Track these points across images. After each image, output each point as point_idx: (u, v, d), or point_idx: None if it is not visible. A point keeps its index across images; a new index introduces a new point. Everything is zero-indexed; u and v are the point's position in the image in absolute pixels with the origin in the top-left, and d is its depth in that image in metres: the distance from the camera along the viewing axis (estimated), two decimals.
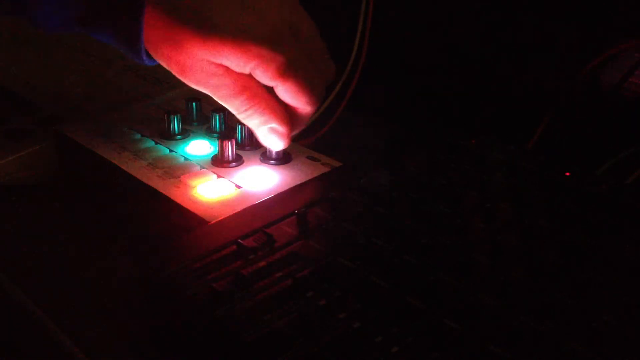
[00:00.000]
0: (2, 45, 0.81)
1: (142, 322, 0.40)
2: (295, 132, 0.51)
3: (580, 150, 0.57)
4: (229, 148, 0.53)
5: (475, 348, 0.32)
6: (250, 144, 0.55)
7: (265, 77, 0.46)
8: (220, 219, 0.45)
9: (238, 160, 0.53)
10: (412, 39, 0.70)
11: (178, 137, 0.58)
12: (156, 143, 0.57)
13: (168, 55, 0.46)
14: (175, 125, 0.58)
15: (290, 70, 0.46)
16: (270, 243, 0.40)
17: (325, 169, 0.52)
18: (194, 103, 0.61)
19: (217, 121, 0.58)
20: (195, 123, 0.60)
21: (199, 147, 0.56)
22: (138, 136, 0.58)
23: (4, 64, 0.76)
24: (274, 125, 0.49)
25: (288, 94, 0.47)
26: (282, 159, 0.53)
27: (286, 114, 0.49)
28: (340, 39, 0.67)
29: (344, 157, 0.54)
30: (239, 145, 0.55)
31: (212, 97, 0.48)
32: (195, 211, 0.46)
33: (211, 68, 0.46)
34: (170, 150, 0.55)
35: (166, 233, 0.45)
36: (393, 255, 0.39)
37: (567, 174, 0.48)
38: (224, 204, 0.47)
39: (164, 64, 0.47)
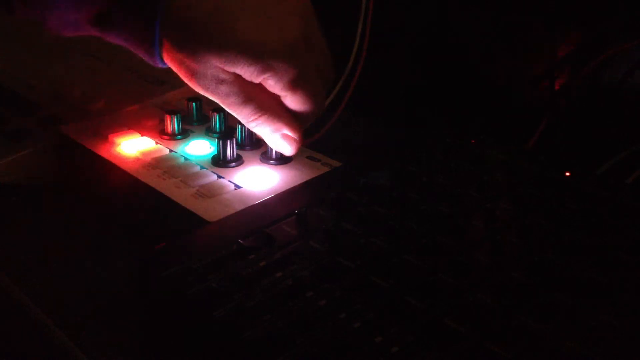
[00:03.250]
0: (2, 45, 0.81)
1: (142, 322, 0.40)
2: (297, 145, 0.51)
3: (580, 150, 0.57)
4: (229, 148, 0.53)
5: (475, 348, 0.32)
6: (250, 144, 0.55)
7: (276, 87, 0.46)
8: (220, 218, 0.45)
9: (238, 160, 0.53)
10: (411, 38, 0.70)
11: (178, 137, 0.58)
12: (156, 143, 0.57)
13: (181, 60, 0.46)
14: (175, 125, 0.58)
15: (301, 82, 0.46)
16: (270, 243, 0.40)
17: (325, 169, 0.52)
18: (194, 103, 0.61)
19: (217, 121, 0.58)
20: (195, 123, 0.60)
21: (199, 147, 0.56)
22: (138, 136, 0.58)
23: (4, 64, 0.76)
24: (286, 132, 0.49)
25: (296, 103, 0.48)
26: (282, 159, 0.53)
27: (295, 120, 0.49)
28: (340, 39, 0.67)
29: (344, 157, 0.54)
30: (239, 145, 0.55)
31: (220, 104, 0.48)
32: (195, 211, 0.47)
33: (222, 76, 0.46)
34: (170, 150, 0.55)
35: (166, 233, 0.45)
36: (393, 255, 0.39)
37: (567, 174, 0.48)
38: (224, 204, 0.47)
39: (174, 68, 0.47)
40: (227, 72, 0.46)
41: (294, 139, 0.50)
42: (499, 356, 0.32)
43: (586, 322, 0.34)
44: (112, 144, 0.56)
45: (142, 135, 0.58)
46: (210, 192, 0.49)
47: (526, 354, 0.32)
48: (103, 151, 0.55)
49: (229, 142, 0.53)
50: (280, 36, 0.45)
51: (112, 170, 0.53)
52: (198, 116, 0.61)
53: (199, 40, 0.44)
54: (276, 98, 0.48)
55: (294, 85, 0.46)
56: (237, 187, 0.50)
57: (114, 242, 0.48)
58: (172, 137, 0.58)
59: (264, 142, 0.54)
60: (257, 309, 0.35)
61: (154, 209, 0.50)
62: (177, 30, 0.45)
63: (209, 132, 0.58)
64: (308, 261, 0.39)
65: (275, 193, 0.48)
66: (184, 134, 0.58)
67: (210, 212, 0.46)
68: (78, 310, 0.42)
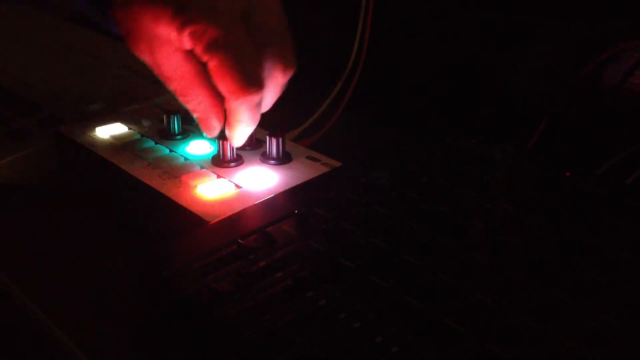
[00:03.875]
0: (2, 45, 0.81)
1: (142, 322, 0.40)
2: (234, 134, 0.49)
3: (580, 150, 0.57)
4: (229, 148, 0.53)
5: (475, 348, 0.32)
6: (250, 144, 0.55)
7: (197, 48, 0.45)
8: (220, 219, 0.45)
9: (238, 160, 0.53)
10: (412, 38, 0.70)
11: (178, 137, 0.58)
12: (156, 143, 0.57)
13: (119, 19, 0.46)
14: (175, 125, 0.58)
15: (222, 48, 0.44)
16: (270, 243, 0.40)
17: (325, 169, 0.52)
18: None
19: None
20: (195, 123, 0.60)
21: (199, 147, 0.56)
22: (138, 136, 0.58)
23: (4, 64, 0.76)
24: (207, 116, 0.48)
25: (215, 73, 0.45)
26: (282, 159, 0.53)
27: (222, 108, 0.48)
28: (341, 39, 0.67)
29: (344, 157, 0.54)
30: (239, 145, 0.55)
31: (155, 73, 0.47)
32: (195, 211, 0.46)
33: (157, 42, 0.45)
34: (170, 150, 0.55)
35: (166, 233, 0.45)
36: (393, 255, 0.39)
37: (567, 174, 0.48)
38: (224, 204, 0.47)
39: (119, 29, 0.47)
40: (160, 38, 0.45)
41: (212, 127, 0.49)
42: (499, 356, 0.32)
43: (586, 322, 0.34)
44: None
45: (142, 136, 0.58)
46: (210, 192, 0.49)
47: (526, 354, 0.32)
48: (102, 151, 0.55)
49: (228, 142, 0.52)
50: None
51: (111, 170, 0.53)
52: None
53: None
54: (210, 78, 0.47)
55: (213, 48, 0.44)
56: (237, 187, 0.50)
57: (114, 242, 0.48)
58: (172, 137, 0.58)
59: (264, 142, 0.55)
60: (257, 309, 0.35)
61: (153, 209, 0.50)
62: None
63: None
64: (308, 261, 0.39)
65: (275, 193, 0.48)
66: (184, 134, 0.58)
67: (210, 212, 0.46)
68: (78, 310, 0.42)
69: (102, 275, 0.44)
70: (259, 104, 0.48)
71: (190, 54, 0.46)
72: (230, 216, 0.45)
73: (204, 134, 0.50)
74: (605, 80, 0.57)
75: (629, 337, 0.33)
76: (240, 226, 0.43)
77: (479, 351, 0.32)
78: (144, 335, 0.39)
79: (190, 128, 0.59)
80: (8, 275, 0.45)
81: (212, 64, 0.45)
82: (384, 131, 0.65)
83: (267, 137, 0.54)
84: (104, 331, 0.40)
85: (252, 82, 0.46)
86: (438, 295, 0.36)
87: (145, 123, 0.60)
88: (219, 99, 0.48)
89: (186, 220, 0.46)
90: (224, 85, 0.46)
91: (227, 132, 0.50)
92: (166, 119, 0.58)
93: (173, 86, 0.47)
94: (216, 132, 0.50)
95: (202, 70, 0.46)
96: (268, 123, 0.52)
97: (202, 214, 0.46)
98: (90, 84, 0.70)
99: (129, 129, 0.59)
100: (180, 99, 0.48)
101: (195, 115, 0.49)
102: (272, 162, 0.53)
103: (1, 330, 0.45)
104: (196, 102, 0.48)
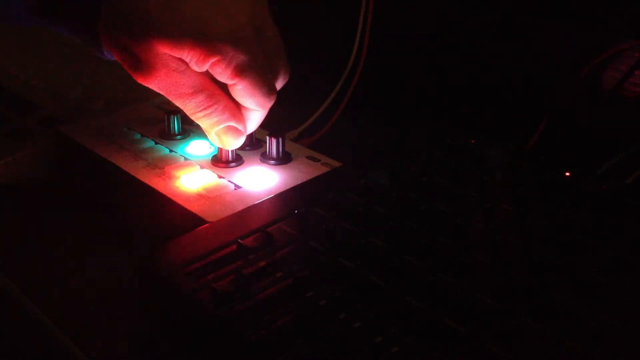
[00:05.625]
0: (2, 45, 0.81)
1: (142, 323, 0.40)
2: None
3: (580, 150, 0.57)
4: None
5: (475, 348, 0.32)
6: (250, 144, 0.55)
7: (224, 74, 0.44)
8: (220, 219, 0.45)
9: (238, 160, 0.53)
10: (411, 38, 0.70)
11: (178, 137, 0.58)
12: (156, 143, 0.57)
13: (124, 48, 0.44)
14: (175, 125, 0.58)
15: (250, 70, 0.45)
16: (270, 243, 0.40)
17: (325, 169, 0.52)
18: None
19: None
20: (195, 123, 0.60)
21: (199, 147, 0.56)
22: (138, 136, 0.58)
23: (4, 64, 0.76)
24: (233, 124, 0.48)
25: (243, 93, 0.46)
26: (282, 159, 0.53)
27: (242, 112, 0.48)
28: (340, 39, 0.67)
29: (344, 157, 0.54)
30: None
31: (166, 96, 0.46)
32: (195, 211, 0.47)
33: (171, 64, 0.44)
34: (170, 150, 0.55)
35: (166, 233, 0.45)
36: (393, 255, 0.39)
37: (567, 174, 0.48)
38: (224, 204, 0.47)
39: (119, 58, 0.45)
40: (175, 59, 0.44)
41: (240, 131, 0.48)
42: (499, 356, 0.32)
43: (586, 322, 0.34)
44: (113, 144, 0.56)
45: (142, 136, 0.58)
46: (210, 192, 0.49)
47: (526, 354, 0.32)
48: (102, 151, 0.55)
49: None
50: (228, 19, 0.44)
51: (111, 170, 0.53)
52: None
53: (143, 25, 0.42)
54: (224, 88, 0.47)
55: (242, 72, 0.44)
56: (237, 187, 0.50)
57: (114, 242, 0.48)
58: (172, 137, 0.58)
59: (264, 142, 0.55)
60: (257, 309, 0.35)
61: (154, 209, 0.50)
62: (120, 16, 0.43)
63: None
64: (308, 261, 0.39)
65: (275, 193, 0.48)
66: (184, 134, 0.58)
67: (210, 212, 0.46)
68: (78, 310, 0.42)
69: (102, 275, 0.44)
70: None
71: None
72: (230, 216, 0.45)
73: (229, 145, 0.49)
74: (605, 81, 0.57)
75: (629, 337, 0.33)
76: (240, 226, 0.43)
77: (479, 351, 0.32)
78: (144, 335, 0.39)
79: (190, 128, 0.59)
80: (8, 275, 0.45)
81: (240, 87, 0.45)
82: (384, 131, 0.65)
83: (267, 137, 0.54)
84: (104, 331, 0.40)
85: (274, 91, 0.47)
86: (438, 295, 0.36)
87: (146, 123, 0.60)
88: (238, 105, 0.48)
89: (186, 220, 0.46)
90: (252, 101, 0.46)
91: (230, 137, 0.50)
92: (166, 119, 0.58)
93: (194, 102, 0.46)
94: (242, 140, 0.49)
95: (220, 84, 0.47)
96: (268, 123, 0.51)
97: (202, 214, 0.46)
98: (90, 84, 0.70)
99: (129, 129, 0.59)
100: (201, 115, 0.47)
101: (215, 130, 0.48)
102: (272, 162, 0.53)
103: (1, 330, 0.45)
104: (219, 111, 0.47)
